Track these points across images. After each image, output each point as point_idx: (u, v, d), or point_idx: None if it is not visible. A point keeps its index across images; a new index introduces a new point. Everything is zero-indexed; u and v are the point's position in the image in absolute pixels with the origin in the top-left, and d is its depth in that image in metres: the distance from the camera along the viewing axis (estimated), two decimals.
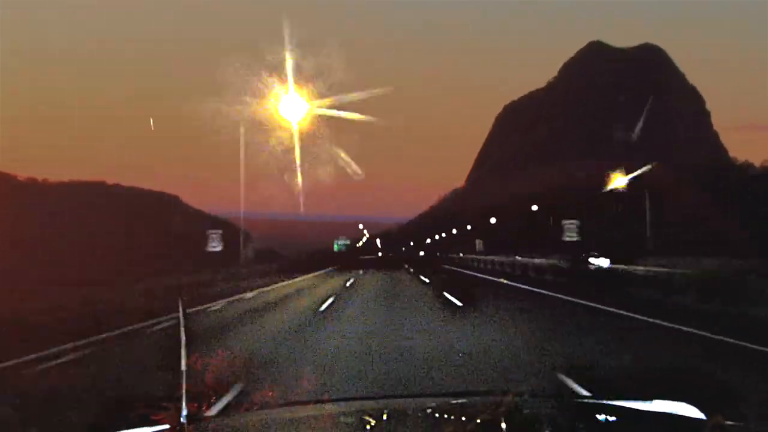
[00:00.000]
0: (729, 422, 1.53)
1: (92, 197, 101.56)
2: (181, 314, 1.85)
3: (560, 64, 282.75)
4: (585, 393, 5.47)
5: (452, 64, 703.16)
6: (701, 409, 1.76)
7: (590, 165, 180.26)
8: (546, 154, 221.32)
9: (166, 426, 1.71)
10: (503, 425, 1.64)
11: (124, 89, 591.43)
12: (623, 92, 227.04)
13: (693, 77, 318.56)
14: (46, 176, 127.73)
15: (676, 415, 1.76)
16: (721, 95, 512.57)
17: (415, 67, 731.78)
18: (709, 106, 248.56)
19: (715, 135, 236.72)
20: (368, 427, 1.84)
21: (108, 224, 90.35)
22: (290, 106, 16.80)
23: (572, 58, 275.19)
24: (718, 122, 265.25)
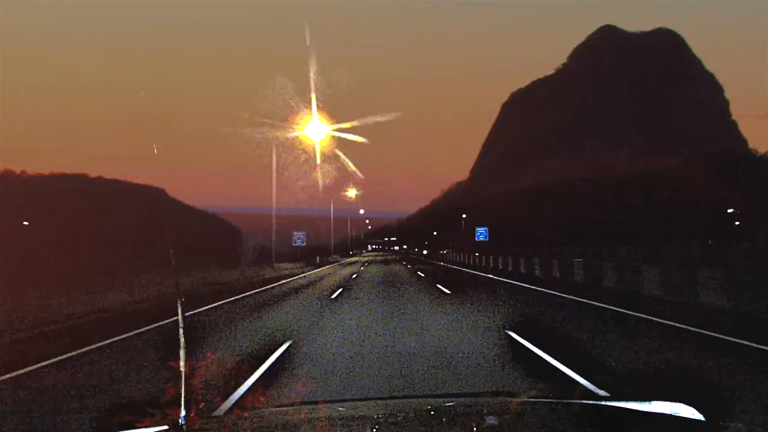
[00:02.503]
0: (742, 426, 1.60)
1: (73, 190, 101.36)
2: (180, 316, 1.94)
3: (570, 50, 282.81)
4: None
5: (456, 51, 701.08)
6: (699, 410, 1.87)
7: (601, 155, 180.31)
8: (555, 144, 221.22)
9: (165, 427, 1.80)
10: (503, 426, 1.75)
11: (109, 79, 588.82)
12: (637, 79, 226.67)
13: (711, 64, 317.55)
14: (25, 168, 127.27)
15: (675, 416, 1.86)
16: (740, 83, 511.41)
17: (417, 54, 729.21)
18: (727, 94, 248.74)
19: (734, 124, 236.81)
20: (369, 428, 1.93)
21: (90, 218, 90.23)
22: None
23: (583, 43, 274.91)
24: (736, 111, 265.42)
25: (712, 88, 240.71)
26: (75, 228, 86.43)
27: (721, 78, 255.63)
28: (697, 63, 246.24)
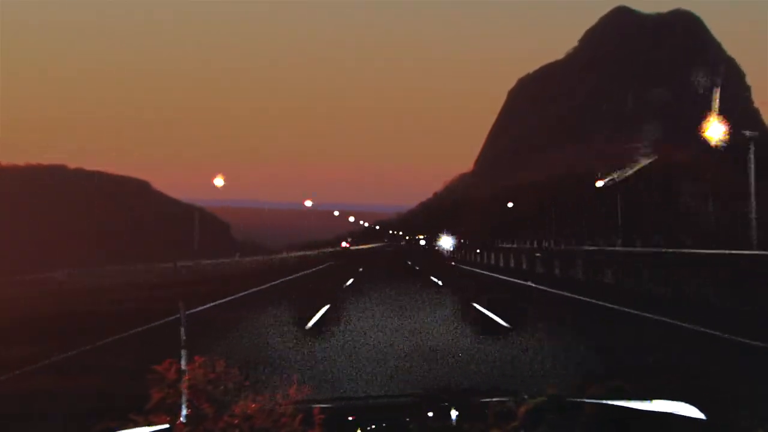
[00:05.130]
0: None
1: (51, 182, 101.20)
2: (182, 314, 2.05)
3: (581, 33, 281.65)
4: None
5: (461, 34, 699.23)
6: (701, 409, 1.99)
7: (614, 145, 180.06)
8: (565, 133, 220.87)
9: (165, 426, 1.91)
10: (503, 425, 1.86)
11: (90, 65, 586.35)
12: (652, 64, 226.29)
13: (731, 48, 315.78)
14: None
15: (676, 415, 1.98)
16: (763, 68, 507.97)
17: (418, 37, 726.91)
18: (749, 80, 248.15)
19: (756, 112, 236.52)
20: (366, 429, 2.03)
21: (69, 211, 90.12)
22: None
23: (594, 25, 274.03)
24: (759, 97, 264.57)
25: (732, 73, 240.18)
26: (52, 223, 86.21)
27: (742, 63, 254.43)
28: (716, 47, 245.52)
